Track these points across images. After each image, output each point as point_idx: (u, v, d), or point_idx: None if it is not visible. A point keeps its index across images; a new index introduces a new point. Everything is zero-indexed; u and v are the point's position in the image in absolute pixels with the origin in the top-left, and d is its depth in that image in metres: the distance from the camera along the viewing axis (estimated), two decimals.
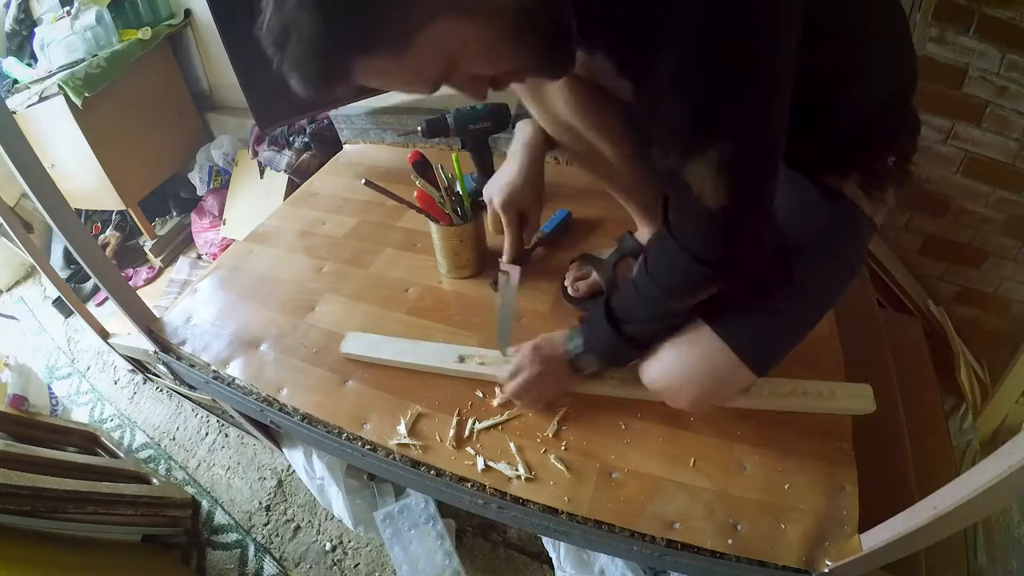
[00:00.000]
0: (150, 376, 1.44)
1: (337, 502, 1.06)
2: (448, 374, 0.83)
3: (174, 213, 2.26)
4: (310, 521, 1.23)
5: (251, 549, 1.20)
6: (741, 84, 0.43)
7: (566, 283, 0.93)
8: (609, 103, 0.73)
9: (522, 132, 0.83)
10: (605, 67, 0.56)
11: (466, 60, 0.48)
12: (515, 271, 0.78)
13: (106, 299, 1.90)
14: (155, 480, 1.27)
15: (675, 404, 0.67)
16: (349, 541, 1.18)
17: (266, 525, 1.24)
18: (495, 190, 0.80)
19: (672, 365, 0.64)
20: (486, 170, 1.16)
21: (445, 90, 0.53)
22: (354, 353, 0.87)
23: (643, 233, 0.92)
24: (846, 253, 0.63)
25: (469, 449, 0.74)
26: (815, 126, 0.52)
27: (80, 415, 1.65)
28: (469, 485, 0.70)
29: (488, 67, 0.50)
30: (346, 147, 1.54)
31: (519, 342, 0.77)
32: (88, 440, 1.41)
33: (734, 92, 0.44)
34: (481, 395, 0.80)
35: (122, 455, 1.40)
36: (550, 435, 0.74)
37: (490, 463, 0.71)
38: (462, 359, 0.82)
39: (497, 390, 0.79)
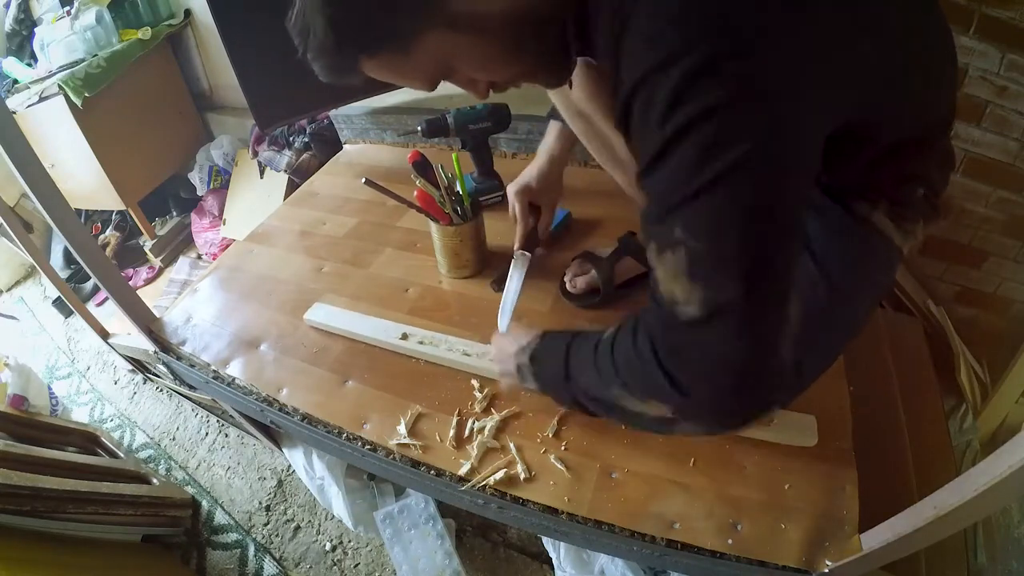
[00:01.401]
0: (150, 376, 1.44)
1: (337, 502, 1.06)
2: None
3: (174, 213, 2.26)
4: (310, 521, 1.23)
5: (251, 549, 1.20)
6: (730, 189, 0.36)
7: (565, 279, 0.93)
8: None
9: (548, 133, 0.91)
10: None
11: (462, 67, 0.51)
12: (526, 257, 0.89)
13: (106, 299, 1.90)
14: (155, 480, 1.27)
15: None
16: (349, 541, 1.18)
17: (266, 525, 1.24)
18: (513, 183, 0.90)
19: None
20: (486, 170, 1.17)
21: (445, 90, 0.54)
22: (315, 321, 0.94)
23: None
24: (875, 281, 0.61)
25: (469, 449, 0.74)
26: (842, 155, 0.48)
27: (80, 415, 1.65)
28: (469, 485, 0.70)
29: (484, 74, 0.53)
30: (346, 147, 1.54)
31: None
32: (88, 440, 1.41)
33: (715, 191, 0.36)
34: (479, 393, 0.80)
35: (122, 455, 1.40)
36: (550, 435, 0.74)
37: (490, 463, 0.71)
38: (405, 336, 0.87)
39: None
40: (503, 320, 0.83)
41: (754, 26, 0.35)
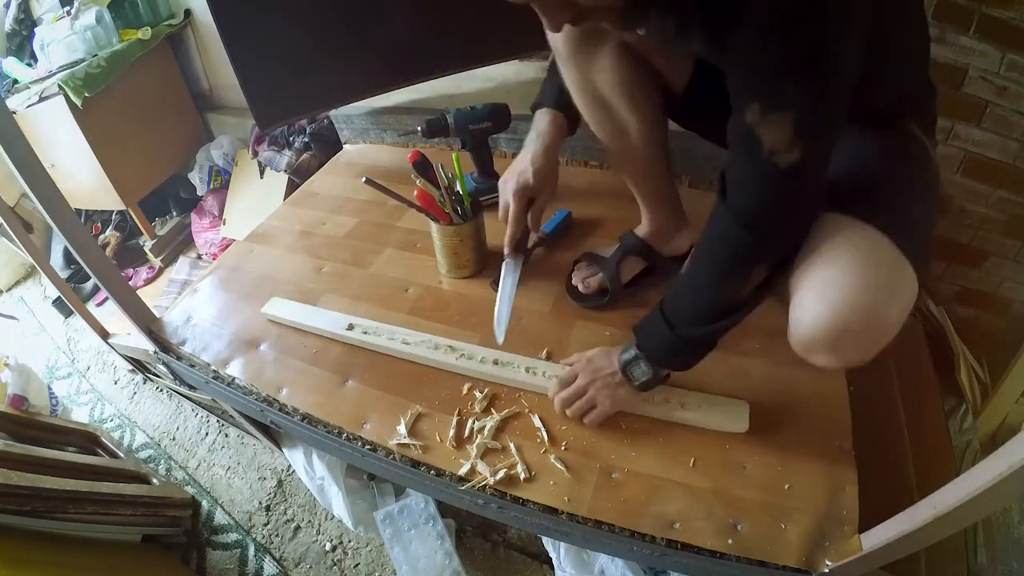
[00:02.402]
0: (150, 376, 1.44)
1: (337, 502, 1.06)
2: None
3: (174, 213, 2.26)
4: (310, 521, 1.23)
5: (251, 549, 1.20)
6: (824, 39, 0.45)
7: (574, 282, 0.93)
8: (651, 80, 0.76)
9: (538, 122, 0.84)
10: (673, 28, 0.57)
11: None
12: (518, 260, 0.83)
13: (106, 299, 1.90)
14: (155, 480, 1.27)
15: (841, 344, 0.53)
16: (349, 541, 1.18)
17: (266, 525, 1.24)
18: (509, 178, 0.82)
19: (840, 280, 0.52)
20: (486, 170, 1.17)
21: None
22: (272, 315, 0.96)
23: (644, 225, 0.92)
24: (932, 184, 0.63)
25: (469, 449, 0.74)
26: (872, 83, 0.53)
27: (80, 415, 1.65)
28: (469, 485, 0.70)
29: (595, 16, 0.52)
30: (346, 147, 1.54)
31: (517, 341, 0.78)
32: (88, 440, 1.41)
33: (818, 45, 0.45)
34: (478, 394, 0.80)
35: (122, 455, 1.40)
36: (549, 435, 0.74)
37: (490, 463, 0.71)
38: (351, 327, 0.90)
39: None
40: (499, 330, 0.81)
41: None
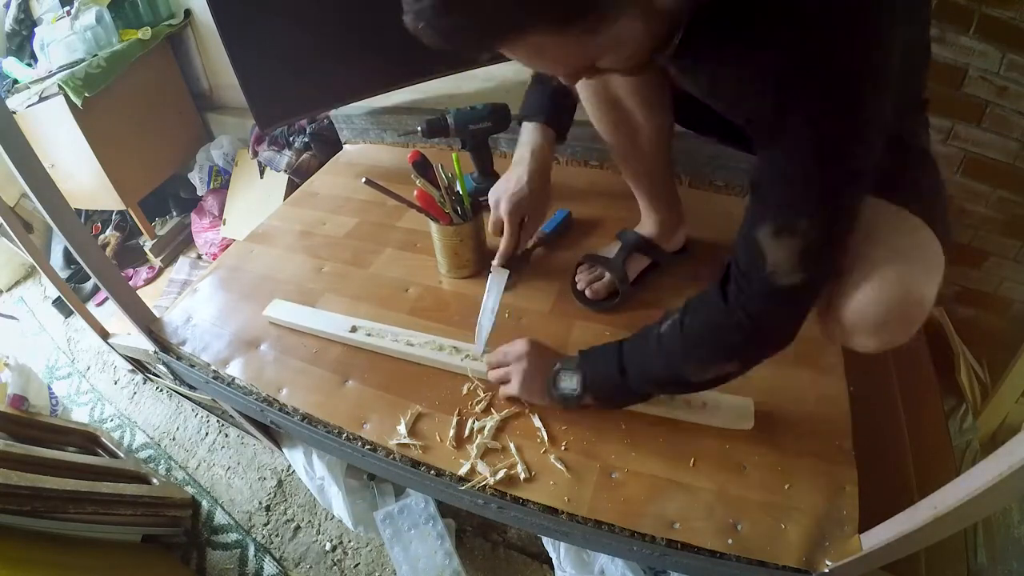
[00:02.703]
0: (150, 376, 1.44)
1: (337, 502, 1.06)
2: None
3: (174, 213, 2.26)
4: (310, 521, 1.23)
5: (251, 549, 1.20)
6: (838, 175, 0.46)
7: (580, 286, 0.93)
8: (662, 80, 0.76)
9: (529, 137, 0.82)
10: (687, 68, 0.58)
11: (613, 55, 0.48)
12: (504, 274, 0.82)
13: (106, 299, 1.90)
14: (155, 480, 1.27)
15: (889, 325, 0.53)
16: (349, 541, 1.18)
17: (266, 525, 1.24)
18: (502, 196, 0.82)
19: (884, 263, 0.52)
20: (486, 170, 1.17)
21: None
22: (274, 318, 0.96)
23: (645, 224, 0.93)
24: (935, 164, 0.66)
25: (469, 449, 0.74)
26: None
27: (80, 415, 1.65)
28: (469, 485, 0.70)
29: (624, 60, 0.49)
30: (346, 147, 1.54)
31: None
32: (88, 440, 1.41)
33: (845, 181, 0.47)
34: (481, 393, 0.80)
35: (122, 455, 1.40)
36: (549, 435, 0.74)
37: (490, 463, 0.71)
38: (354, 329, 0.90)
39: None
40: (480, 342, 0.82)
41: None
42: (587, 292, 0.91)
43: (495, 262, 0.84)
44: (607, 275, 0.91)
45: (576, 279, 0.94)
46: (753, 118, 0.50)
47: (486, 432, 0.75)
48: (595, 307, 0.91)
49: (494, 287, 0.84)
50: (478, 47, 0.44)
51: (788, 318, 0.54)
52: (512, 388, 0.76)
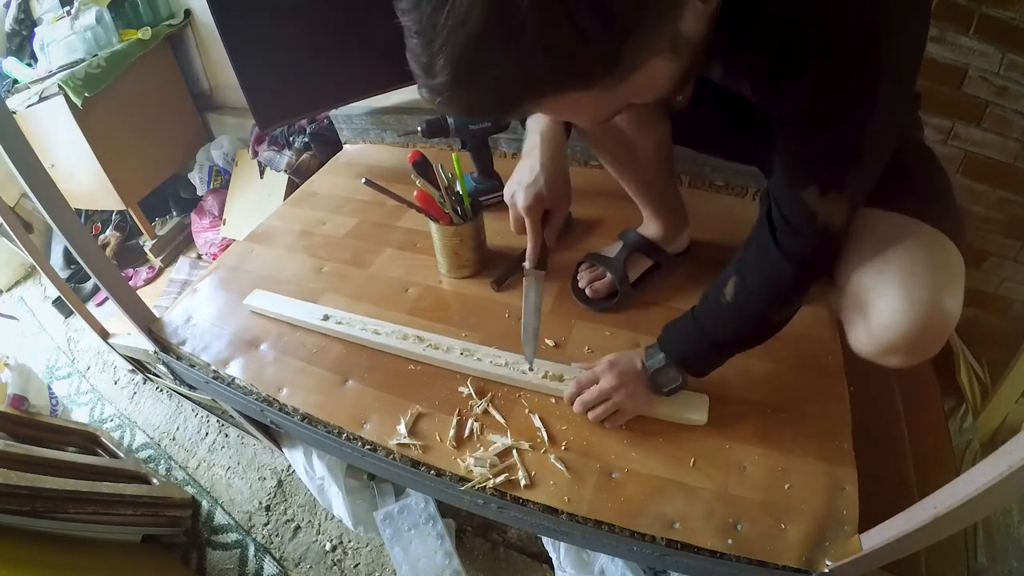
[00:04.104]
0: (150, 376, 1.44)
1: (337, 502, 1.06)
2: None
3: (174, 213, 2.26)
4: (310, 521, 1.23)
5: (251, 549, 1.20)
6: (875, 124, 0.48)
7: (580, 285, 0.93)
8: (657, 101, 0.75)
9: (537, 124, 0.75)
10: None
11: (646, 94, 0.46)
12: (540, 276, 0.73)
13: (106, 299, 1.90)
14: (155, 480, 1.27)
15: (921, 342, 0.53)
16: (349, 541, 1.18)
17: (266, 525, 1.24)
18: (517, 191, 0.72)
19: (912, 282, 0.53)
20: (486, 170, 1.17)
21: None
22: (254, 306, 0.99)
23: (648, 227, 0.93)
24: (943, 168, 0.66)
25: (469, 449, 0.74)
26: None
27: (80, 415, 1.65)
28: (469, 485, 0.70)
29: (647, 99, 0.47)
30: (346, 147, 1.54)
31: (517, 340, 0.77)
32: (88, 440, 1.41)
33: (871, 131, 0.49)
34: (476, 398, 0.80)
35: (122, 455, 1.40)
36: (549, 435, 0.74)
37: (490, 463, 0.71)
38: (326, 317, 0.92)
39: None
40: (528, 351, 0.77)
41: None
42: (587, 291, 0.91)
43: (527, 264, 0.73)
44: (608, 275, 0.91)
45: (577, 277, 0.94)
46: (785, 89, 0.50)
47: (486, 432, 0.75)
48: (594, 306, 0.91)
49: (531, 291, 0.74)
50: (501, 113, 0.46)
51: (838, 246, 0.59)
52: (630, 414, 0.73)
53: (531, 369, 0.79)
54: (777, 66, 0.48)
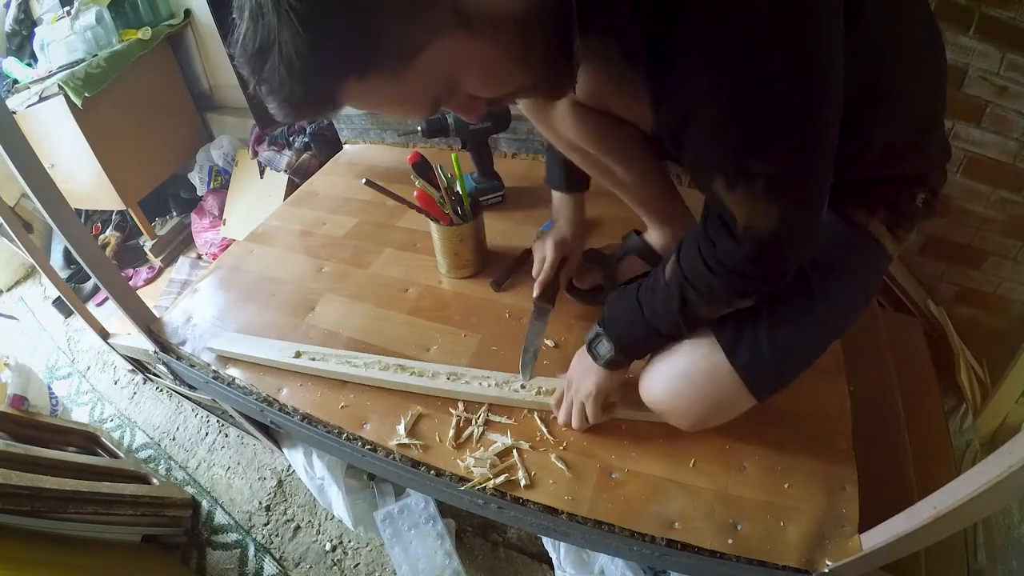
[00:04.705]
0: (150, 376, 1.44)
1: (337, 502, 1.06)
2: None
3: (174, 213, 2.26)
4: (310, 521, 1.23)
5: (251, 549, 1.20)
6: (788, 103, 0.41)
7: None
8: (618, 128, 0.75)
9: (559, 205, 0.87)
10: (618, 75, 0.56)
11: (466, 81, 0.45)
12: (547, 310, 0.83)
13: (106, 299, 1.90)
14: (155, 480, 1.27)
15: (675, 424, 0.68)
16: (349, 541, 1.18)
17: (266, 525, 1.24)
18: (544, 236, 0.86)
19: (675, 388, 0.64)
20: (486, 170, 1.17)
21: None
22: (218, 349, 0.92)
23: (653, 235, 0.92)
24: (863, 285, 0.62)
25: (469, 449, 0.74)
26: (843, 159, 0.47)
27: (80, 415, 1.65)
28: (469, 485, 0.70)
29: (488, 88, 0.47)
30: (346, 147, 1.54)
31: (512, 342, 0.78)
32: (88, 440, 1.41)
33: (780, 113, 0.41)
34: (459, 413, 0.80)
35: (122, 455, 1.40)
36: (549, 435, 0.74)
37: (490, 463, 0.71)
38: (298, 354, 0.87)
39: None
40: (526, 373, 0.80)
41: None
42: (574, 281, 0.93)
43: (536, 295, 0.83)
44: (599, 270, 0.92)
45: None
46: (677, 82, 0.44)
47: (486, 433, 0.75)
48: (578, 297, 0.92)
49: (538, 323, 0.82)
50: (320, 111, 0.45)
51: (792, 252, 0.50)
52: (595, 398, 0.70)
53: (523, 387, 0.79)
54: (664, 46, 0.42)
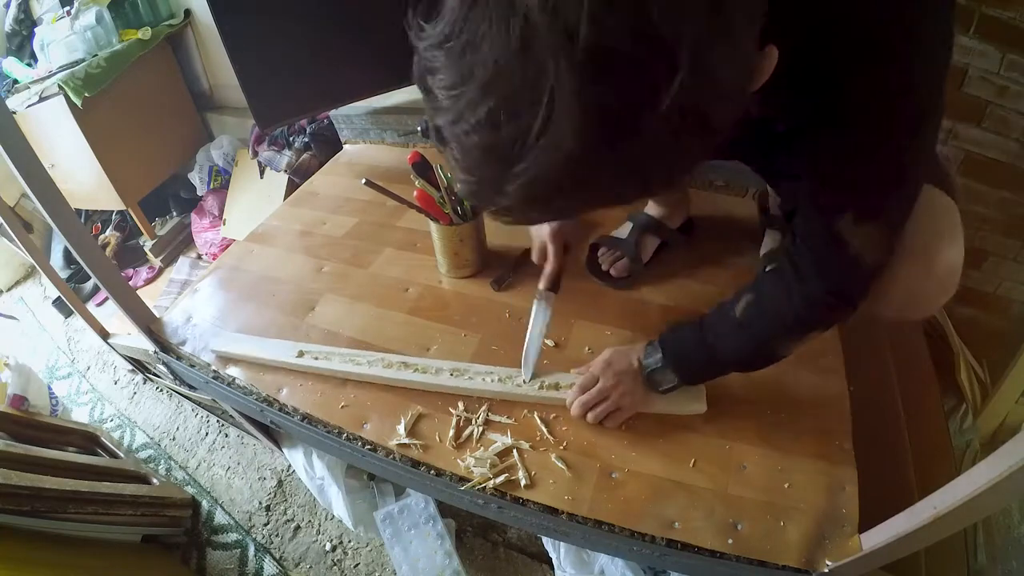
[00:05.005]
0: (150, 376, 1.44)
1: (337, 502, 1.06)
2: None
3: (174, 213, 2.26)
4: (310, 521, 1.23)
5: (251, 549, 1.20)
6: (927, 141, 0.49)
7: (604, 267, 0.97)
8: None
9: None
10: None
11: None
12: (551, 297, 0.81)
13: (106, 299, 1.90)
14: (155, 480, 1.27)
15: (926, 299, 0.61)
16: (349, 541, 1.18)
17: (266, 525, 1.24)
18: (547, 230, 0.82)
19: (915, 233, 0.58)
20: None
21: None
22: (221, 350, 0.92)
23: (654, 208, 0.98)
24: None
25: (469, 449, 0.74)
26: None
27: (80, 415, 1.65)
28: (469, 485, 0.70)
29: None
30: (346, 147, 1.54)
31: (512, 342, 0.77)
32: (88, 440, 1.41)
33: (908, 158, 0.48)
34: (461, 412, 0.80)
35: (122, 455, 1.40)
36: (549, 435, 0.74)
37: (490, 463, 0.71)
38: (301, 354, 0.87)
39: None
40: (527, 368, 0.79)
41: None
42: (612, 271, 0.95)
43: (541, 285, 0.81)
44: (625, 256, 0.95)
45: (599, 260, 0.98)
46: (819, 111, 0.50)
47: (486, 433, 0.75)
48: (616, 285, 0.95)
49: (540, 313, 0.80)
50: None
51: (867, 285, 0.55)
52: (628, 411, 0.72)
53: (525, 382, 0.79)
54: (816, 114, 0.49)
